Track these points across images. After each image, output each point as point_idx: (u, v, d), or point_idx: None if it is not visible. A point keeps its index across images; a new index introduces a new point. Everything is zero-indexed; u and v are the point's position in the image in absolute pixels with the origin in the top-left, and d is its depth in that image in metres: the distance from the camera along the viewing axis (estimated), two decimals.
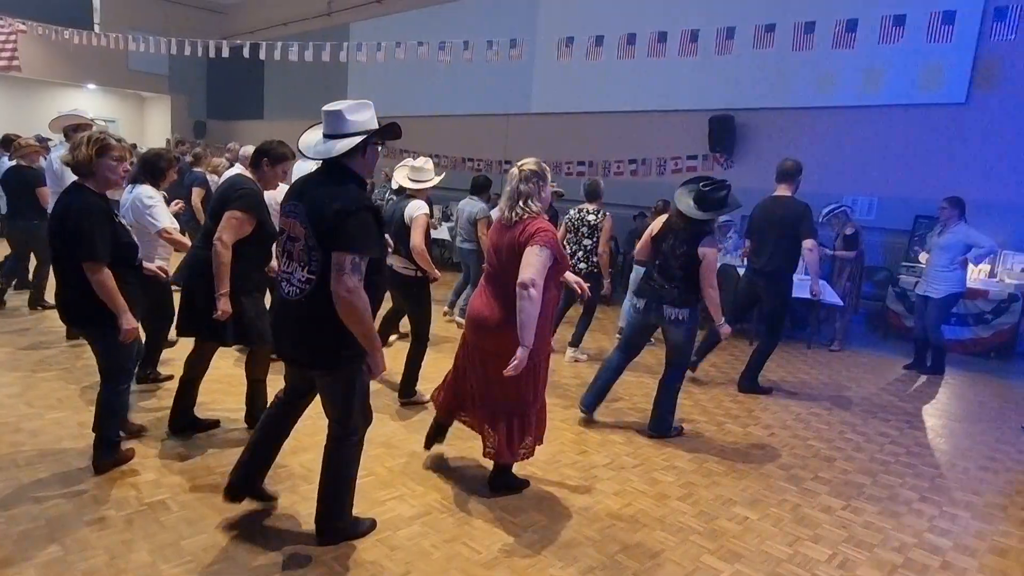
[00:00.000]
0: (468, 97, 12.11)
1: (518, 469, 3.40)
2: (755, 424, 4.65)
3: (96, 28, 15.26)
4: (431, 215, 4.32)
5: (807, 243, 4.95)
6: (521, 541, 2.90)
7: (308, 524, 2.86)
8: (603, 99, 10.23)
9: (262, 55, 10.96)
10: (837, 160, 8.08)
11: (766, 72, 8.43)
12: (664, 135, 9.63)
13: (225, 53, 11.48)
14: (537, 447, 3.32)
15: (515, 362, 2.83)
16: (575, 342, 5.92)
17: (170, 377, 4.49)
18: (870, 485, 3.78)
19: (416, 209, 4.26)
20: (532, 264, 2.85)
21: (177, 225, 4.20)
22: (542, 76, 10.99)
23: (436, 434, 3.64)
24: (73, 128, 5.06)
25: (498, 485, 3.31)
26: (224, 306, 3.29)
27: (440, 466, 3.59)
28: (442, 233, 9.58)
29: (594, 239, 5.63)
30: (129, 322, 3.00)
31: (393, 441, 3.86)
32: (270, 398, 3.00)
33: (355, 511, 2.90)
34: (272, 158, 3.52)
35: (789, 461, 4.04)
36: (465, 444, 3.82)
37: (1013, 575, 2.95)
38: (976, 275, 7.11)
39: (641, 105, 9.84)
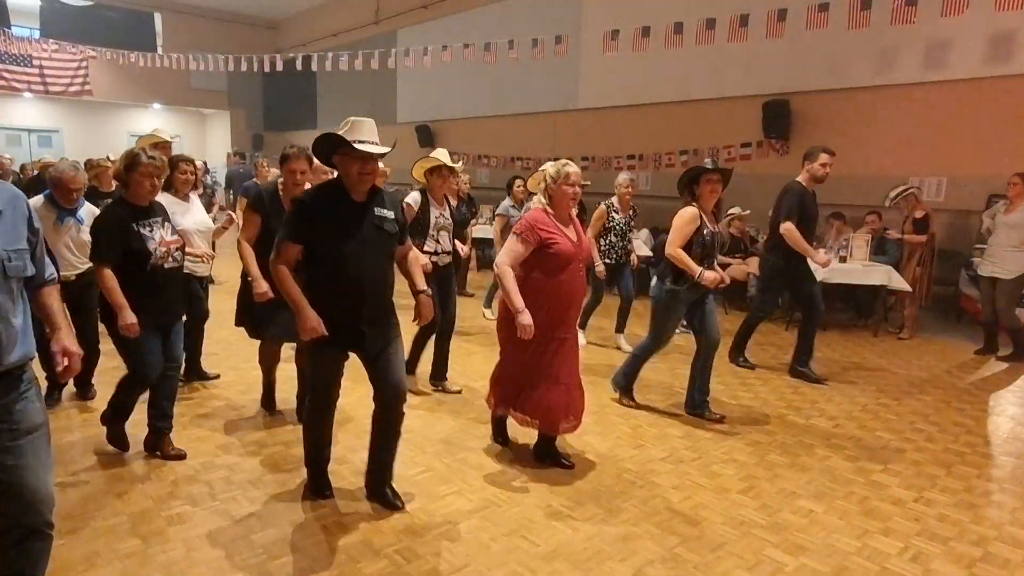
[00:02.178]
0: (515, 96, 12.13)
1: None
2: (819, 416, 4.52)
3: (159, 50, 15.99)
4: (417, 203, 4.49)
5: (780, 228, 4.98)
6: (579, 534, 2.91)
7: (373, 517, 2.96)
8: (651, 90, 10.08)
9: (314, 66, 11.27)
10: (902, 140, 7.74)
11: (822, 53, 8.14)
12: (716, 124, 9.42)
13: (279, 67, 11.86)
14: (534, 427, 3.52)
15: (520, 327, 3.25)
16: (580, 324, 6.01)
17: (218, 376, 4.83)
18: (944, 476, 3.62)
19: (407, 198, 4.57)
20: (504, 249, 3.40)
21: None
22: (588, 71, 10.91)
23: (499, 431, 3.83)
24: (152, 146, 5.33)
25: (537, 453, 3.62)
26: (258, 288, 3.67)
27: (498, 461, 3.63)
28: (484, 232, 9.63)
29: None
30: (125, 318, 3.13)
31: (451, 438, 3.93)
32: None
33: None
34: (279, 160, 3.83)
35: (856, 453, 3.90)
36: (522, 441, 3.85)
37: None
38: None
39: (691, 94, 9.65)
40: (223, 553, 2.68)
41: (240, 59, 11.89)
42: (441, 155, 4.57)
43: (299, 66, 11.58)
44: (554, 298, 3.34)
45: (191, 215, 4.29)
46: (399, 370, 2.96)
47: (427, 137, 13.89)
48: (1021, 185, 5.76)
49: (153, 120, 18.45)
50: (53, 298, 2.12)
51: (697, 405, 4.38)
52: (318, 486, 3.14)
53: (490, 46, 9.23)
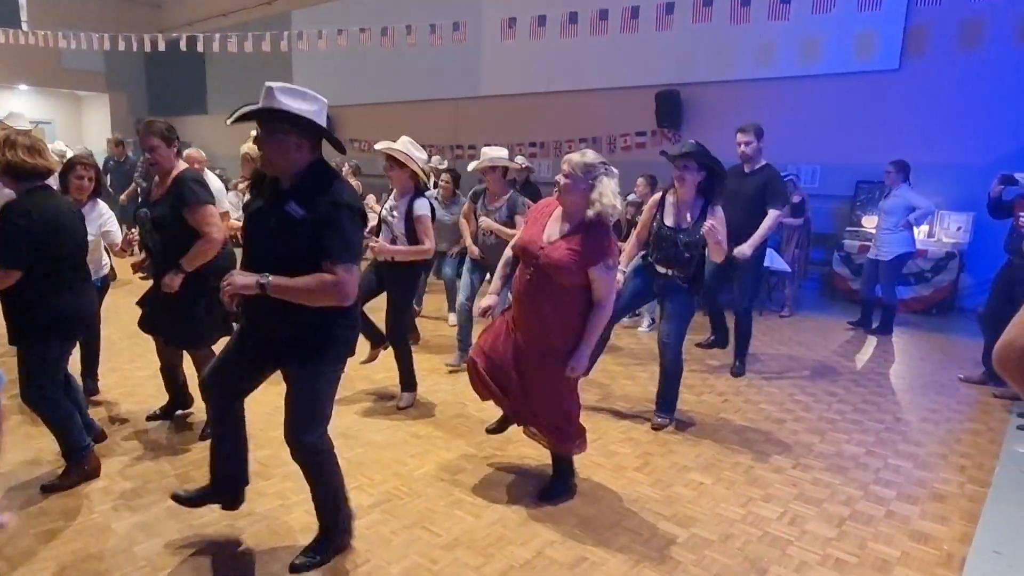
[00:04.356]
0: (417, 83, 11.96)
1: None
2: (709, 392, 4.77)
3: (24, 26, 14.59)
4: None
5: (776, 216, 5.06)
6: (481, 521, 2.94)
7: (263, 521, 2.86)
8: (551, 79, 10.23)
9: (200, 47, 10.65)
10: (781, 130, 8.19)
11: (708, 46, 8.52)
12: (613, 113, 9.68)
13: (161, 47, 11.13)
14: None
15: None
16: None
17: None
18: (819, 443, 3.92)
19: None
20: None
21: None
22: (489, 59, 10.92)
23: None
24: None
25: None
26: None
27: (400, 454, 3.60)
28: None
29: None
30: None
31: (350, 432, 3.85)
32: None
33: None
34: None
35: (742, 425, 4.16)
36: (426, 429, 3.84)
37: (951, 518, 3.11)
38: (916, 235, 7.36)
39: (589, 84, 9.86)
40: (103, 567, 2.52)
41: (117, 38, 11.03)
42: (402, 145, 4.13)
43: (183, 46, 10.88)
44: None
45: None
46: (296, 410, 2.51)
47: (327, 122, 13.46)
48: (894, 173, 6.30)
49: (20, 103, 16.86)
50: None
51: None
52: (218, 492, 2.69)
53: (387, 31, 9.04)
